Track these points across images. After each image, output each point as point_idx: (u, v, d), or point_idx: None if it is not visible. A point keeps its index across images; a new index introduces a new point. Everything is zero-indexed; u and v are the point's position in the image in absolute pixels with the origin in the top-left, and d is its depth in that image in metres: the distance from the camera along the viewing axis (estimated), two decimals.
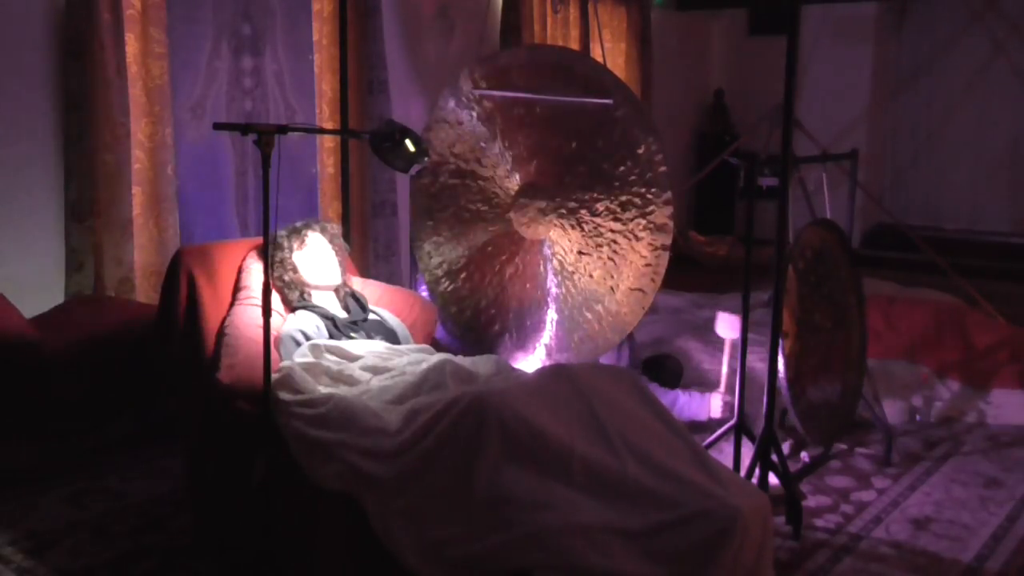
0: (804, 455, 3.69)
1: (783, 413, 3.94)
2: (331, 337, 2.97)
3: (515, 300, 3.73)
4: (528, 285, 3.71)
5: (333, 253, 3.16)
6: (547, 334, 3.71)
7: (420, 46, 5.61)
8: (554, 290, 3.68)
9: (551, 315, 3.69)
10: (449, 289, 3.81)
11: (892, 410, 4.03)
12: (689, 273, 6.80)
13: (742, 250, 3.26)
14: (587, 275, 3.61)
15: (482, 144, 3.71)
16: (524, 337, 3.74)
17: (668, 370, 4.31)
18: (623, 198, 3.54)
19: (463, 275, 3.79)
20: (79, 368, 3.46)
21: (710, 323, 5.51)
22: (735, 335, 3.78)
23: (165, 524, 3.07)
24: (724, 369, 3.74)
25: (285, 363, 2.78)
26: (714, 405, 3.78)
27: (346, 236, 3.50)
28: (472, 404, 2.30)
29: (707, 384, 4.29)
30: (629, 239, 3.53)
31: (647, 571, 2.06)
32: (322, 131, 4.91)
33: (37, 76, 3.94)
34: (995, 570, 2.82)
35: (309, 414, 2.56)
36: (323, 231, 3.19)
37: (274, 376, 2.64)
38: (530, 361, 3.68)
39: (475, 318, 3.78)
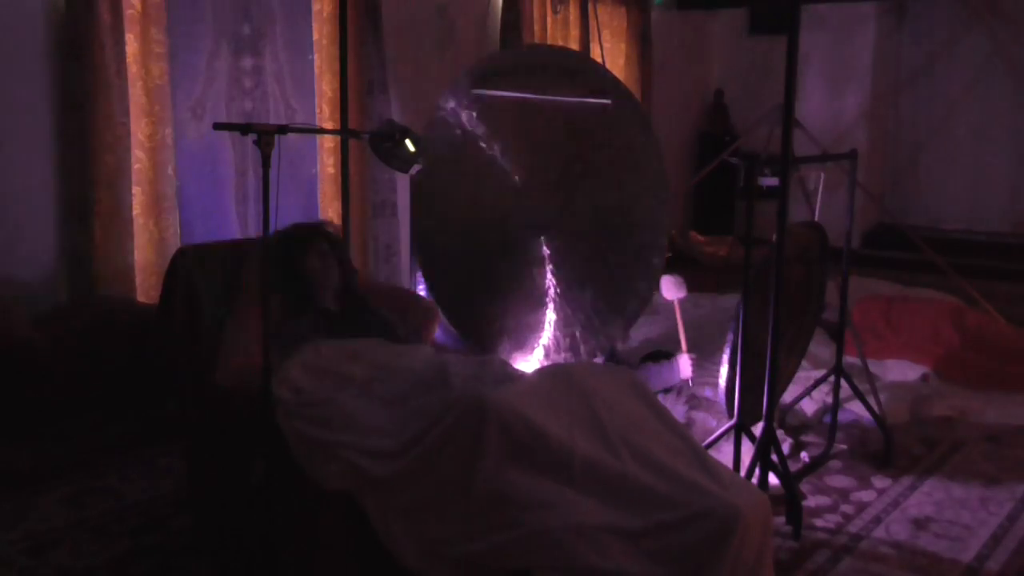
0: (804, 455, 3.69)
1: (783, 413, 3.94)
2: (331, 336, 2.97)
3: (514, 300, 3.73)
4: (527, 285, 3.72)
5: (333, 253, 3.16)
6: (545, 334, 3.72)
7: (420, 46, 5.61)
8: (552, 290, 3.69)
9: (549, 315, 3.70)
10: (449, 289, 3.81)
11: (892, 410, 4.03)
12: (689, 273, 6.79)
13: (742, 250, 3.26)
14: (585, 275, 3.62)
15: (482, 144, 3.72)
16: (523, 337, 3.74)
17: (664, 370, 4.30)
18: (622, 198, 3.55)
19: (463, 275, 3.79)
20: (79, 368, 3.45)
21: (711, 323, 5.55)
22: (681, 295, 3.95)
23: (165, 524, 3.07)
24: (681, 329, 3.77)
25: (285, 363, 2.78)
26: (683, 366, 3.81)
27: (346, 236, 3.50)
28: (472, 404, 2.30)
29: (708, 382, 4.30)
30: (628, 239, 3.54)
31: (647, 571, 2.06)
32: (322, 131, 4.91)
33: (37, 76, 3.94)
34: (995, 570, 2.82)
35: (309, 414, 2.55)
36: (323, 231, 3.19)
37: (274, 376, 2.63)
38: (529, 361, 3.69)
39: (475, 318, 3.79)
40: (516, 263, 3.70)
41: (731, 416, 3.25)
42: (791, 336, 3.65)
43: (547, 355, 3.69)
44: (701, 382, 4.33)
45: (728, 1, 8.09)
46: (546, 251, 3.64)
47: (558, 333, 3.68)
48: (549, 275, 3.65)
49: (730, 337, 3.22)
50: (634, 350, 4.55)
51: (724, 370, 3.32)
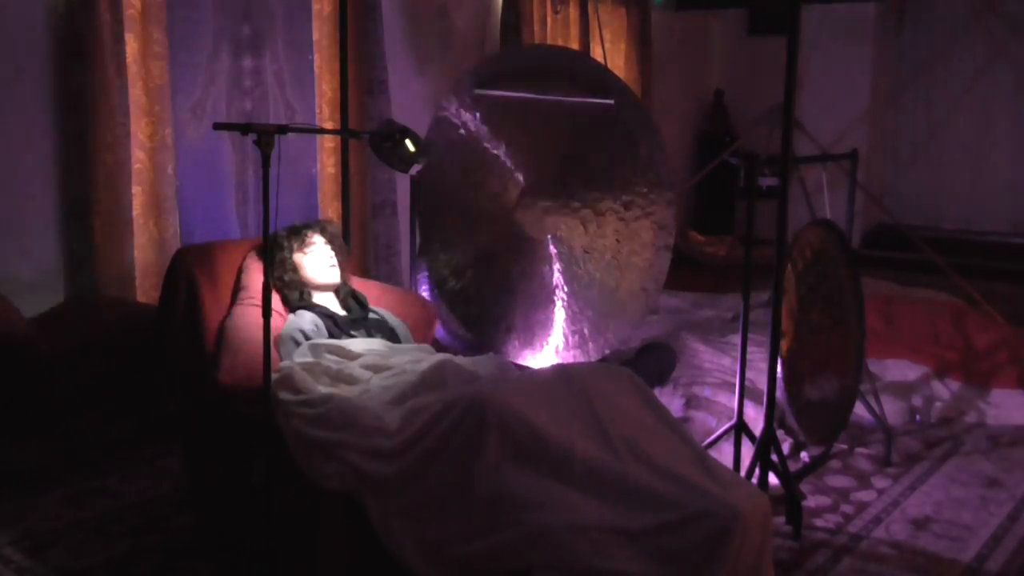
0: (804, 455, 3.69)
1: (782, 413, 3.94)
2: (331, 336, 2.97)
3: (521, 298, 3.73)
4: (534, 284, 3.72)
5: (333, 253, 3.16)
6: (553, 332, 3.72)
7: (420, 46, 5.61)
8: (559, 289, 3.69)
9: (557, 313, 3.70)
10: (456, 288, 3.80)
11: (892, 410, 4.03)
12: (689, 273, 6.80)
13: (742, 250, 3.26)
14: (591, 274, 3.62)
15: (485, 144, 3.71)
16: (531, 335, 3.74)
17: (657, 362, 4.29)
18: (625, 198, 3.55)
19: (469, 274, 3.79)
20: (79, 368, 3.45)
21: (711, 323, 5.55)
22: None
23: (165, 524, 3.07)
24: None
25: (285, 363, 2.78)
26: None
27: (346, 236, 3.50)
28: (472, 404, 2.30)
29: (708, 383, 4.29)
30: (632, 239, 3.54)
31: (647, 571, 2.06)
32: (322, 131, 4.91)
33: (37, 76, 3.94)
34: (995, 570, 2.82)
35: (309, 414, 2.56)
36: (323, 231, 3.19)
37: (274, 376, 2.64)
38: (537, 359, 3.69)
39: (482, 316, 3.78)
40: (524, 262, 3.70)
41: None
42: (838, 368, 3.67)
43: (556, 353, 3.69)
44: (700, 381, 4.33)
45: (728, 1, 8.08)
46: (553, 250, 3.64)
47: (566, 331, 3.68)
48: (557, 273, 3.65)
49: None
50: (635, 347, 4.56)
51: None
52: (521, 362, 3.65)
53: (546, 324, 3.71)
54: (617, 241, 3.56)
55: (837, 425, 3.70)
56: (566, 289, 3.67)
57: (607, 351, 3.74)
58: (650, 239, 3.51)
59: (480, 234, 3.76)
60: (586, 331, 3.67)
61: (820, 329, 3.63)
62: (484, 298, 3.78)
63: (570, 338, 3.69)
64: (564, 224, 3.63)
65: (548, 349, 3.73)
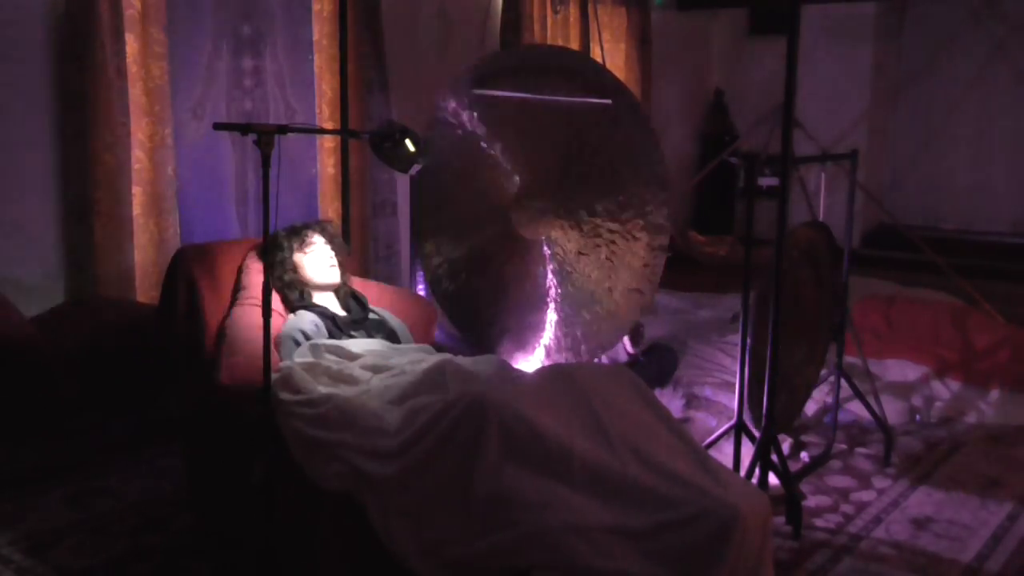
0: (804, 455, 3.69)
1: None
2: (331, 336, 2.97)
3: (515, 300, 3.73)
4: (527, 285, 3.71)
5: (333, 253, 3.16)
6: (547, 334, 3.71)
7: (420, 46, 5.61)
8: (553, 290, 3.68)
9: (550, 315, 3.69)
10: (450, 289, 3.80)
11: (892, 410, 4.03)
12: (689, 273, 6.80)
13: (742, 250, 3.26)
14: (586, 275, 3.61)
15: (482, 144, 3.71)
16: (523, 337, 3.74)
17: (658, 362, 4.30)
18: (621, 198, 3.54)
19: (463, 275, 3.79)
20: (79, 368, 3.45)
21: (711, 323, 5.56)
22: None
23: (165, 524, 3.07)
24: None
25: (285, 363, 2.78)
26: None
27: (346, 236, 3.50)
28: (472, 404, 2.30)
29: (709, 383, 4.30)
30: (627, 239, 3.53)
31: (647, 571, 2.06)
32: (322, 131, 4.91)
33: (36, 76, 3.94)
34: (995, 570, 2.82)
35: (309, 414, 2.56)
36: (323, 231, 3.19)
37: (274, 376, 2.64)
38: (529, 361, 3.68)
39: (475, 318, 3.78)
40: (518, 263, 3.69)
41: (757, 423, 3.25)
42: (807, 344, 3.64)
43: (548, 355, 3.68)
44: (700, 381, 4.34)
45: (728, 1, 8.09)
46: (547, 251, 3.64)
47: (559, 333, 3.67)
48: (550, 275, 3.65)
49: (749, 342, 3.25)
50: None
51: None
52: (513, 364, 3.64)
53: (539, 326, 3.71)
54: (612, 242, 3.56)
55: (789, 415, 3.67)
56: (560, 291, 3.66)
57: (601, 353, 3.73)
58: (646, 240, 3.50)
59: (475, 235, 3.75)
60: (579, 333, 3.66)
61: (794, 324, 3.61)
62: (478, 300, 3.78)
63: (563, 340, 3.69)
64: (559, 225, 3.62)
65: (540, 351, 3.72)
